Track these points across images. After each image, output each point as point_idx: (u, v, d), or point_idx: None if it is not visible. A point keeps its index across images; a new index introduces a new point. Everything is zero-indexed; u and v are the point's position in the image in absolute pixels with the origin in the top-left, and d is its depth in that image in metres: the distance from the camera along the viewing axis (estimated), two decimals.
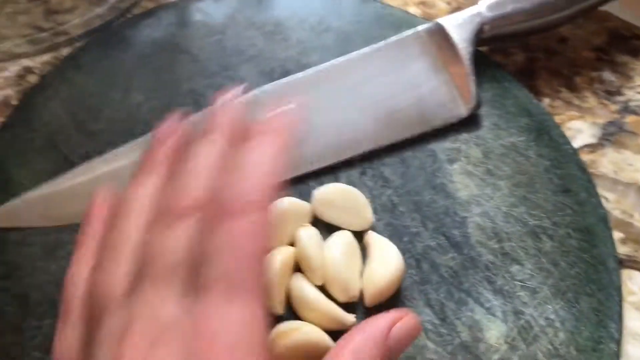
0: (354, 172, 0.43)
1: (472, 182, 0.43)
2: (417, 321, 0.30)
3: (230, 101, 0.32)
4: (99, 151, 0.42)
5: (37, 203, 0.39)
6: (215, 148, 0.29)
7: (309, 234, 0.38)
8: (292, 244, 0.39)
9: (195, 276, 0.24)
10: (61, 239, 0.39)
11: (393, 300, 0.38)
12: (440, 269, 0.40)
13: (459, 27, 0.46)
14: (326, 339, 0.35)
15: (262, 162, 0.27)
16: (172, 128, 0.33)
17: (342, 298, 0.38)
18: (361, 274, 0.39)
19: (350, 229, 0.40)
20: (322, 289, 0.38)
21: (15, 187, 0.40)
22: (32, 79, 0.46)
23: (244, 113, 0.31)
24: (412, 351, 0.37)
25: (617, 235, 0.44)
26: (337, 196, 0.40)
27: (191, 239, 0.25)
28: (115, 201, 0.30)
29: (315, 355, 0.35)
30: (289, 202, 0.39)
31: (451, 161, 0.44)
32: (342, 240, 0.39)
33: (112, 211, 0.29)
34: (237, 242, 0.24)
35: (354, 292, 0.38)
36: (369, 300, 0.38)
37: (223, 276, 0.24)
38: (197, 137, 0.30)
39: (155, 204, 0.28)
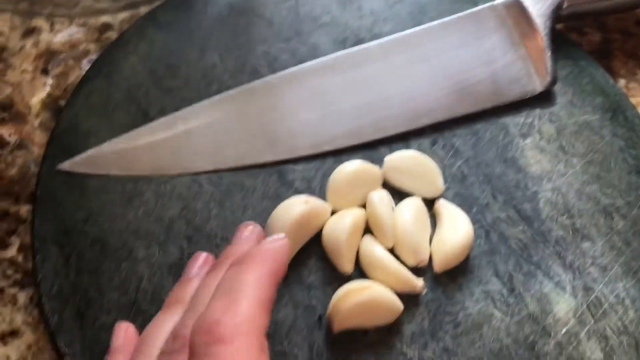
0: (425, 141, 0.43)
1: (545, 157, 0.43)
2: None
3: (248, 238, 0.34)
4: (175, 107, 0.42)
5: (116, 153, 0.41)
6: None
7: (380, 197, 0.38)
8: (364, 206, 0.39)
9: None
10: (138, 188, 0.40)
11: (461, 267, 0.38)
12: (510, 240, 0.40)
13: (537, 1, 0.45)
14: (395, 299, 0.36)
15: (252, 286, 0.27)
16: (201, 265, 0.34)
17: (411, 261, 0.38)
18: (430, 240, 0.39)
19: (420, 195, 0.40)
20: (392, 252, 0.38)
21: (95, 138, 0.41)
22: (112, 35, 0.47)
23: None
24: (479, 319, 0.37)
25: None
26: (409, 162, 0.40)
27: None
28: (137, 337, 0.32)
29: (383, 315, 0.36)
30: (360, 165, 0.39)
31: (524, 136, 0.44)
32: (413, 205, 0.39)
33: (135, 347, 0.31)
34: None
35: (423, 257, 0.38)
36: (437, 266, 0.38)
37: None
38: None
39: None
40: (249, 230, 0.34)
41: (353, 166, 0.40)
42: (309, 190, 0.40)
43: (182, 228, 0.39)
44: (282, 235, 0.30)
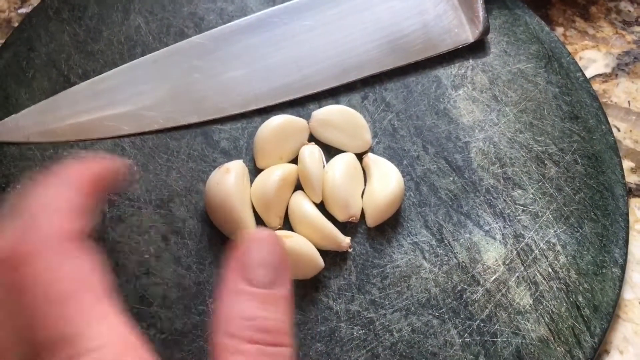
0: (356, 96, 0.42)
1: (477, 108, 0.42)
2: (267, 234, 0.26)
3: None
4: (98, 71, 0.41)
5: (36, 119, 0.39)
6: None
7: (311, 151, 0.38)
8: (294, 162, 0.38)
9: None
10: (59, 154, 0.39)
11: (390, 220, 0.38)
12: (440, 192, 0.39)
13: None
14: (315, 254, 0.35)
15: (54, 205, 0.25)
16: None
17: (341, 217, 0.37)
18: (363, 195, 0.38)
19: (348, 150, 0.39)
20: (323, 209, 0.37)
21: (15, 104, 0.40)
22: (34, 1, 0.46)
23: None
24: (408, 270, 0.36)
25: (627, 164, 0.42)
26: (336, 117, 0.40)
27: None
28: None
29: (301, 268, 0.35)
30: (286, 119, 0.39)
31: (456, 87, 0.43)
32: (345, 160, 0.38)
33: None
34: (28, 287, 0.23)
35: (354, 212, 0.37)
36: (370, 220, 0.37)
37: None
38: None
39: None
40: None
41: (279, 120, 0.39)
42: (235, 150, 0.40)
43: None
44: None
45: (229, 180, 0.36)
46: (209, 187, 0.36)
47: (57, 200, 0.25)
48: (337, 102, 0.42)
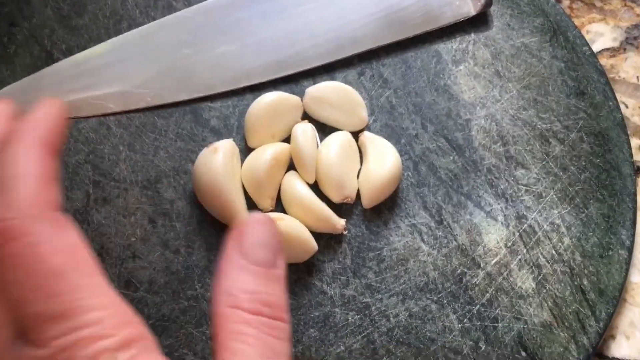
0: (352, 72, 0.40)
1: (479, 84, 0.40)
2: (262, 217, 0.26)
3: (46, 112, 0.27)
4: (82, 47, 0.40)
5: (17, 97, 0.38)
6: None
7: (304, 129, 0.36)
8: (287, 141, 0.37)
9: None
10: None
11: (387, 201, 0.36)
12: (439, 171, 0.37)
13: None
14: (307, 235, 0.34)
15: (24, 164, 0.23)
16: None
17: (336, 198, 0.36)
18: (358, 175, 0.37)
19: (344, 129, 0.38)
20: (317, 189, 0.36)
21: None
22: None
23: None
24: (405, 253, 0.35)
25: (635, 142, 0.41)
26: (331, 94, 0.38)
27: None
28: None
29: (294, 252, 0.34)
30: (278, 96, 0.37)
31: (456, 62, 0.41)
32: (340, 139, 0.37)
33: None
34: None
35: (349, 193, 0.35)
36: (365, 202, 0.36)
37: None
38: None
39: None
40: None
41: (271, 97, 0.37)
42: (225, 129, 0.38)
43: (88, 173, 0.36)
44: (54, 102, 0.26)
45: (217, 160, 0.34)
46: (197, 167, 0.35)
47: (28, 166, 0.24)
48: (333, 79, 0.40)
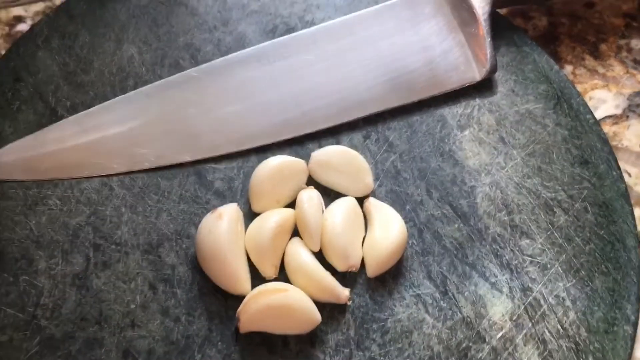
0: (357, 136, 0.40)
1: (483, 150, 0.40)
2: None
3: None
4: (87, 104, 0.40)
5: (20, 155, 0.37)
6: None
7: (310, 196, 0.36)
8: (291, 206, 0.37)
9: None
10: (42, 193, 0.37)
11: (391, 270, 0.36)
12: (444, 240, 0.37)
13: None
14: (312, 308, 0.33)
15: None
16: None
17: (341, 267, 0.35)
18: (363, 242, 0.36)
19: (349, 194, 0.38)
20: (322, 257, 0.35)
21: None
22: (23, 27, 0.44)
23: None
24: (410, 325, 0.34)
25: (638, 212, 0.40)
26: (336, 158, 0.38)
27: None
28: None
29: (297, 323, 0.33)
30: (284, 159, 0.37)
31: (462, 127, 0.41)
32: (345, 206, 0.36)
33: None
34: None
35: (354, 262, 0.35)
36: (370, 271, 0.35)
37: None
38: None
39: None
40: None
41: (276, 161, 0.37)
42: (230, 191, 0.38)
43: (89, 236, 0.36)
44: None
45: (221, 226, 0.34)
46: (201, 234, 0.34)
47: None
48: (338, 141, 0.40)
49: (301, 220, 0.35)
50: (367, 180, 0.38)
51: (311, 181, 0.38)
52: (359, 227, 0.37)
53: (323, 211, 0.36)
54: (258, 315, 0.32)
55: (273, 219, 0.35)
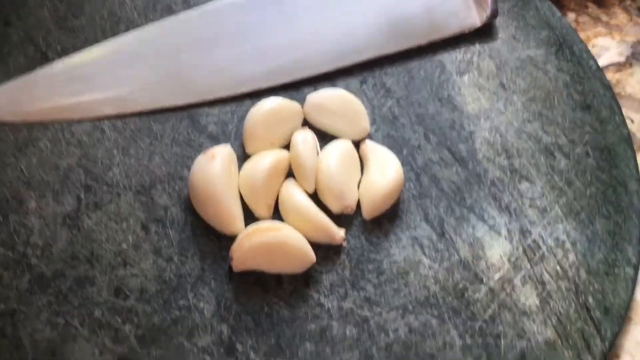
0: (354, 81, 0.40)
1: (483, 95, 0.40)
2: None
3: None
4: (78, 48, 0.39)
5: (10, 98, 0.37)
6: None
7: (305, 138, 0.35)
8: (286, 148, 0.36)
9: None
10: (33, 135, 0.36)
11: (388, 213, 0.35)
12: (442, 183, 0.36)
13: None
14: (306, 247, 0.32)
15: None
16: None
17: (336, 208, 0.34)
18: (358, 185, 0.36)
19: (345, 137, 0.37)
20: (316, 199, 0.35)
21: None
22: None
23: None
24: (406, 266, 0.34)
25: None
26: (332, 101, 0.37)
27: None
28: None
29: (291, 262, 0.33)
30: (279, 102, 0.36)
31: (461, 73, 0.40)
32: (341, 147, 0.36)
33: None
34: None
35: (349, 203, 0.34)
36: (366, 212, 0.35)
37: None
38: None
39: None
40: None
41: (271, 103, 0.36)
42: (223, 135, 0.37)
43: (80, 177, 0.35)
44: None
45: (214, 166, 0.33)
46: (193, 174, 0.34)
47: None
48: (334, 86, 0.39)
49: (296, 160, 0.35)
50: (363, 123, 0.37)
51: (306, 124, 0.37)
52: (355, 169, 0.36)
53: (318, 153, 0.35)
54: (251, 253, 0.32)
55: (267, 159, 0.34)
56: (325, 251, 0.34)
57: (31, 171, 0.35)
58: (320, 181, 0.35)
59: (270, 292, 0.33)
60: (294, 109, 0.37)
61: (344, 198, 0.34)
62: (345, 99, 0.37)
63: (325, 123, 0.37)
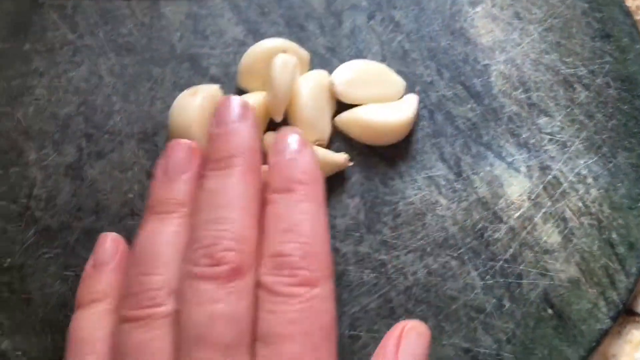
0: (361, 16, 0.37)
1: (497, 26, 0.38)
2: (424, 328, 0.26)
3: (241, 121, 0.27)
4: None
5: None
6: (244, 181, 0.25)
7: (283, 61, 0.32)
8: None
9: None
10: (27, 83, 0.34)
11: (401, 152, 0.34)
12: (457, 120, 0.35)
13: None
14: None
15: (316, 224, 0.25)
16: (186, 158, 0.28)
17: (309, 138, 0.33)
18: (333, 117, 0.34)
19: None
20: None
21: None
22: None
23: (256, 136, 0.27)
24: (422, 207, 0.33)
25: None
26: (362, 75, 0.35)
27: (250, 307, 0.23)
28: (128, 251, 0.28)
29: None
30: (284, 44, 0.34)
31: (473, 4, 0.38)
32: (315, 79, 0.34)
33: (133, 262, 0.25)
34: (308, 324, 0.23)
35: (321, 135, 0.33)
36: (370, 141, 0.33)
37: None
38: (210, 167, 0.26)
39: (182, 254, 0.24)
40: (235, 113, 0.28)
41: (276, 43, 0.34)
42: (226, 77, 0.35)
43: (80, 126, 0.34)
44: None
45: (194, 103, 0.32)
46: (172, 108, 0.32)
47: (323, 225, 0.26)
48: (340, 22, 0.37)
49: (269, 85, 0.33)
50: (399, 86, 0.35)
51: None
52: (330, 101, 0.34)
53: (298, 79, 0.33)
54: None
55: (252, 99, 0.33)
56: (338, 194, 0.33)
57: (28, 121, 0.34)
58: (293, 112, 0.33)
59: None
60: (300, 53, 0.35)
61: (316, 131, 0.33)
62: (376, 69, 0.35)
63: (361, 96, 0.35)
